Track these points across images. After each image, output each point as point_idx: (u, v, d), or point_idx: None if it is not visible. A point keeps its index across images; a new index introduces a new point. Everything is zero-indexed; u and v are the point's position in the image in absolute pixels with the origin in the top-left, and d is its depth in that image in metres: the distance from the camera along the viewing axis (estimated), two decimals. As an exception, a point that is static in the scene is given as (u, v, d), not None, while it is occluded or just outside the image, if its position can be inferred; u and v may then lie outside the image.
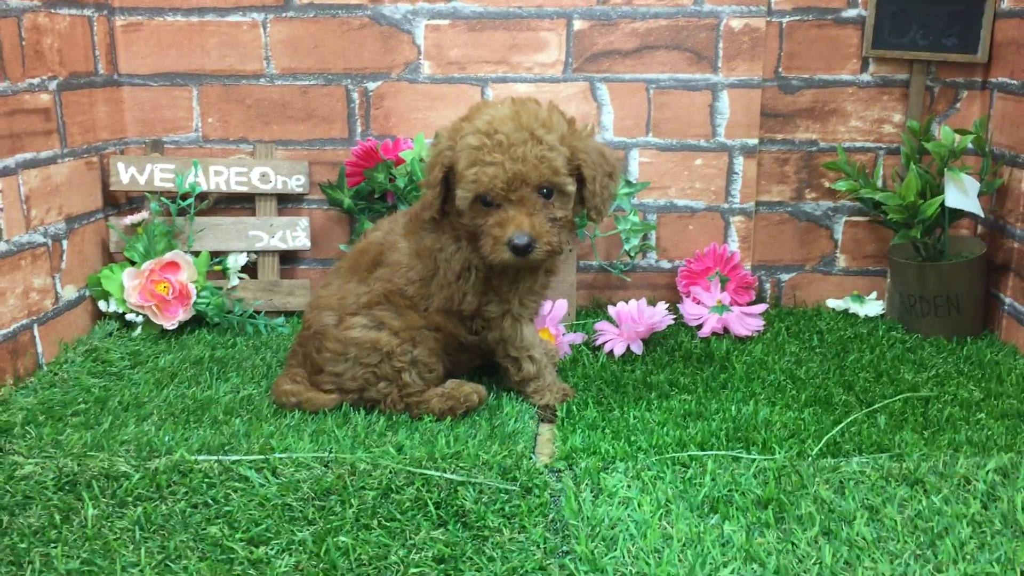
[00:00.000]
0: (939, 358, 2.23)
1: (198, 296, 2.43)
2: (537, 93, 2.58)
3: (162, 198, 2.50)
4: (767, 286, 2.74)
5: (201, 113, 2.63)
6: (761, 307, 2.47)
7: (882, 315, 2.60)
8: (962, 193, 2.29)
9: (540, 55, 2.58)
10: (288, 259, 2.70)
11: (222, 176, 2.56)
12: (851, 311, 2.62)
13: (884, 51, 2.51)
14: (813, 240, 2.69)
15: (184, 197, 2.51)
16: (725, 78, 2.57)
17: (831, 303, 2.67)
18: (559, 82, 2.59)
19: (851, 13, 2.54)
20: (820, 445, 1.74)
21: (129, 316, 2.39)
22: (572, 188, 1.80)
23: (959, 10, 2.45)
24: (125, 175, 2.50)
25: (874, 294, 2.67)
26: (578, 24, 2.55)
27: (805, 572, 1.38)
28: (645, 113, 2.60)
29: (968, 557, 1.41)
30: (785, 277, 2.73)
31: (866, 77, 2.58)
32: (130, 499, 1.57)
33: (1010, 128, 2.38)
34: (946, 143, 2.29)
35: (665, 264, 2.69)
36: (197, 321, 2.49)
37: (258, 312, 2.53)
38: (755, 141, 2.60)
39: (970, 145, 2.40)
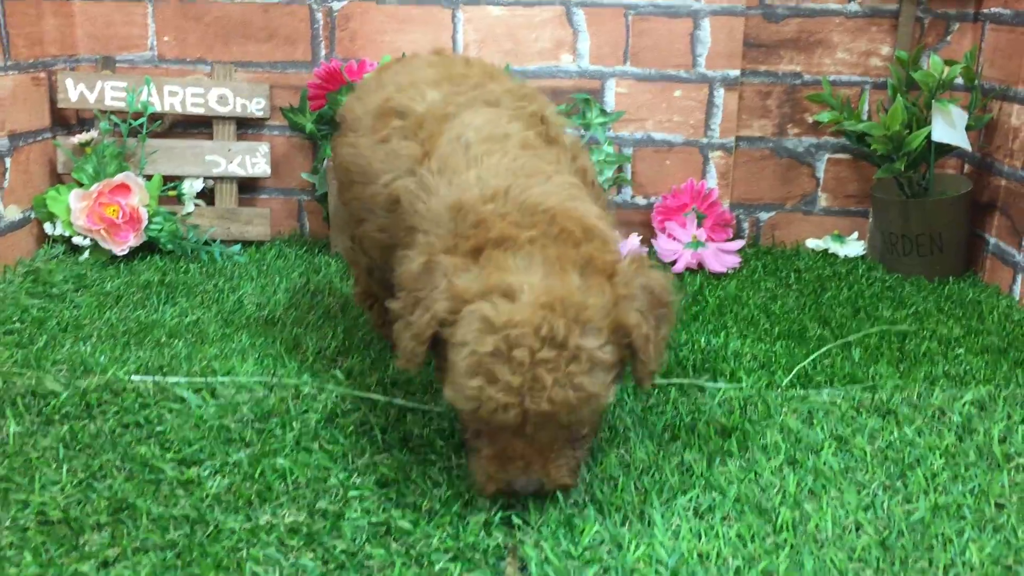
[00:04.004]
0: (919, 296, 2.15)
1: (150, 222, 2.31)
2: (510, 18, 2.46)
3: (112, 117, 2.38)
4: (745, 225, 2.64)
5: (156, 30, 2.49)
6: (738, 243, 2.38)
7: (863, 256, 2.51)
8: (949, 126, 2.19)
9: (514, -24, 2.46)
10: (247, 188, 2.58)
11: (177, 97, 2.43)
12: (831, 251, 2.53)
13: (873, -22, 2.40)
14: (794, 178, 2.60)
15: (136, 117, 2.38)
16: (707, 5, 2.45)
17: (810, 243, 2.58)
18: (533, 6, 2.47)
19: (840, -62, 2.43)
20: (790, 376, 1.66)
21: (76, 240, 2.28)
22: (613, 395, 1.25)
23: (953, -64, 2.34)
24: (74, 92, 2.38)
25: (855, 234, 2.58)
26: (554, -57, 2.43)
27: (768, 501, 1.30)
28: (623, 41, 2.49)
29: (940, 488, 1.33)
30: (764, 216, 2.64)
31: (854, 7, 2.47)
32: (57, 417, 1.48)
33: (1002, 60, 2.28)
34: (934, 73, 2.19)
35: (641, 201, 2.59)
36: (149, 248, 2.38)
37: (214, 240, 2.42)
38: (737, 72, 2.49)
39: (960, 81, 2.30)
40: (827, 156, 2.57)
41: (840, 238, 2.55)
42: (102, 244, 2.27)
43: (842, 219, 2.62)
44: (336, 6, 2.47)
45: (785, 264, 2.41)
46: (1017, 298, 2.13)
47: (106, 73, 2.42)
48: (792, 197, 2.61)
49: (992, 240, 2.28)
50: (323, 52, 2.50)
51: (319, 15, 2.48)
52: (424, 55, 1.71)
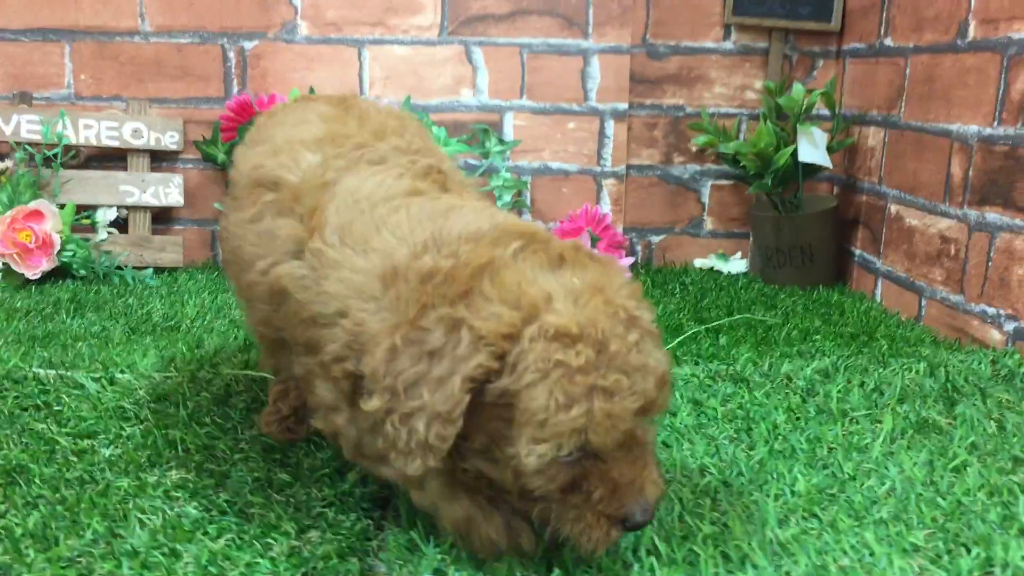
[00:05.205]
0: (790, 300, 2.33)
1: (63, 248, 2.39)
2: (414, 56, 2.64)
3: (27, 148, 2.47)
4: (638, 248, 2.81)
5: (73, 70, 2.61)
6: (628, 260, 2.54)
7: (745, 272, 2.69)
8: (812, 146, 2.40)
9: (416, 18, 2.63)
10: (162, 218, 2.68)
11: (92, 130, 2.54)
12: (716, 268, 2.71)
13: (744, 18, 2.63)
14: (682, 203, 2.78)
15: (51, 148, 2.48)
16: (596, 44, 2.66)
17: (698, 262, 2.76)
18: (435, 45, 2.65)
19: (713, -17, 2.67)
20: (658, 356, 1.79)
21: (-11, 264, 2.35)
22: None
23: (812, -20, 2.60)
24: (-10, 124, 2.47)
25: (738, 253, 2.76)
26: (452, -13, 2.63)
27: (624, 452, 1.42)
28: (519, 77, 2.67)
29: (780, 438, 1.47)
30: (655, 239, 2.81)
31: (728, 45, 2.69)
32: (-44, 402, 1.55)
33: (859, 89, 2.51)
34: (797, 98, 2.41)
35: (540, 225, 2.74)
36: (62, 274, 2.45)
37: (126, 265, 2.50)
38: (625, 106, 2.69)
39: (824, 111, 2.52)
40: (711, 182, 2.77)
41: (724, 256, 2.73)
42: (14, 268, 2.34)
43: (726, 241, 2.80)
44: (247, 45, 2.62)
45: (673, 279, 2.57)
46: (879, 300, 2.32)
47: (22, 107, 2.52)
48: (680, 221, 2.79)
49: (857, 252, 2.47)
50: (235, 89, 2.64)
51: (231, 54, 2.62)
52: (319, 103, 1.44)
